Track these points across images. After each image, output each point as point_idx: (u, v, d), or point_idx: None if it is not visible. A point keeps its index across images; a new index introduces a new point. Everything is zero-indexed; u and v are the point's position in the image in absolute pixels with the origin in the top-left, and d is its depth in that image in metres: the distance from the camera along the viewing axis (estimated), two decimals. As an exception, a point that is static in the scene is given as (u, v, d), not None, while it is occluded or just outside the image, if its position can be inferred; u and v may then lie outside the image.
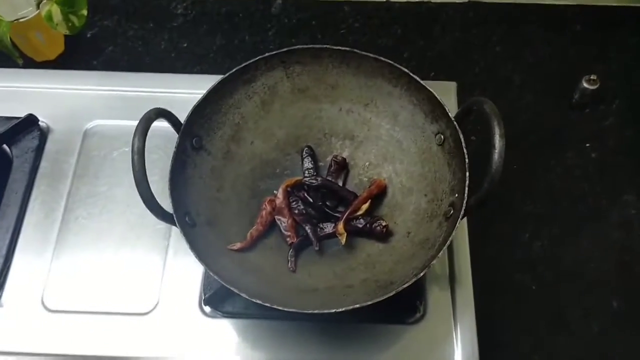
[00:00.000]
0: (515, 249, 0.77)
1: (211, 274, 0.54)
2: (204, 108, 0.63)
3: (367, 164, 0.69)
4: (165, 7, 0.95)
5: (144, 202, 0.54)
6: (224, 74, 0.66)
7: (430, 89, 0.62)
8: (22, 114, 0.73)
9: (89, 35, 0.92)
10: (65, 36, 0.88)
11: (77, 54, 0.90)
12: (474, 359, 0.61)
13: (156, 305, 0.64)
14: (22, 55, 0.86)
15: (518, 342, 0.72)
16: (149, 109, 0.57)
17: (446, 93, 0.74)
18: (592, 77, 0.84)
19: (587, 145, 0.84)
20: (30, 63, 0.87)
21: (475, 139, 0.80)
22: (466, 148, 0.59)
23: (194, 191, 0.62)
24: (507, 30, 0.93)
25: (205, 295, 0.64)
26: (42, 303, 0.65)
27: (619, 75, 0.89)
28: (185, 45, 0.92)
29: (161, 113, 0.58)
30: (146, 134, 0.54)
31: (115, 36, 0.92)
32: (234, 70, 0.64)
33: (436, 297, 0.64)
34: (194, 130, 0.63)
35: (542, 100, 0.87)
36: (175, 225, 0.56)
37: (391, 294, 0.53)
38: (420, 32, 0.93)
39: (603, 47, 0.91)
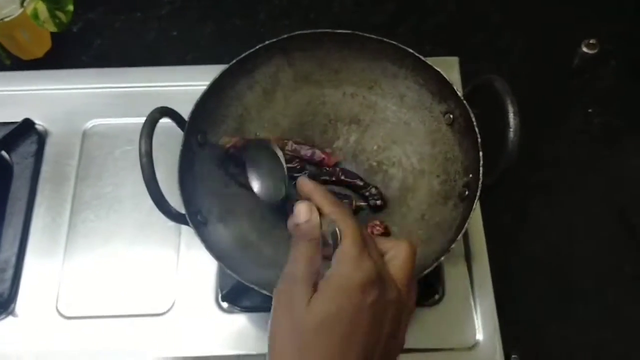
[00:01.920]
0: (524, 218, 0.77)
1: (229, 272, 0.54)
2: (206, 102, 0.62)
3: (375, 147, 0.68)
4: (151, -5, 0.92)
5: (156, 204, 0.53)
6: (217, 61, 0.64)
7: (437, 68, 0.61)
8: (17, 118, 0.72)
9: (75, 30, 0.89)
10: (52, 33, 0.85)
11: (65, 50, 0.87)
12: (495, 336, 0.61)
13: (173, 304, 0.64)
14: (8, 54, 0.84)
15: (533, 312, 0.72)
16: (151, 108, 0.56)
17: (449, 69, 0.74)
18: (591, 41, 0.83)
19: (590, 110, 0.83)
20: (17, 62, 0.84)
21: (477, 112, 0.79)
22: (477, 127, 0.58)
23: (202, 188, 0.61)
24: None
25: (222, 291, 0.64)
26: (57, 310, 0.64)
27: (619, 38, 0.88)
28: (175, 33, 0.89)
29: (165, 112, 0.56)
30: (152, 136, 0.53)
31: (102, 29, 0.90)
32: (233, 61, 0.62)
33: (454, 276, 0.64)
34: (198, 126, 0.61)
35: (543, 67, 0.86)
36: (188, 225, 0.55)
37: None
38: (414, 7, 0.91)
39: (603, 11, 0.90)
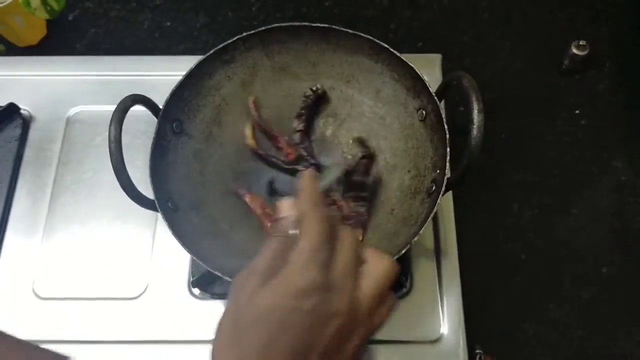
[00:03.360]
0: (505, 218, 0.77)
1: (194, 258, 0.55)
2: (182, 91, 0.62)
3: (350, 141, 0.68)
4: (146, -15, 0.93)
5: (124, 190, 0.54)
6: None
7: (411, 64, 0.61)
8: (2, 102, 0.73)
9: (70, 18, 0.91)
10: (47, 20, 0.87)
11: (60, 38, 0.89)
12: (460, 330, 0.61)
13: (145, 288, 0.65)
14: (3, 41, 0.85)
15: (508, 311, 0.72)
16: (126, 95, 0.57)
17: (431, 66, 0.74)
18: (581, 43, 0.83)
19: (577, 111, 0.83)
20: (12, 49, 0.86)
21: (463, 109, 0.79)
22: (447, 123, 0.58)
23: (176, 176, 0.62)
24: (494, -5, 0.91)
25: (193, 277, 0.65)
26: (33, 291, 0.65)
27: (609, 40, 0.87)
28: (168, 24, 0.91)
29: (138, 99, 0.57)
30: (122, 122, 0.54)
31: (97, 18, 0.91)
32: (211, 51, 0.63)
33: (422, 271, 0.64)
34: (173, 115, 0.62)
35: (532, 67, 0.86)
36: (157, 211, 0.56)
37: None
38: (407, 2, 0.91)
39: (592, 10, 0.90)
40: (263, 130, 0.68)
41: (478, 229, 0.76)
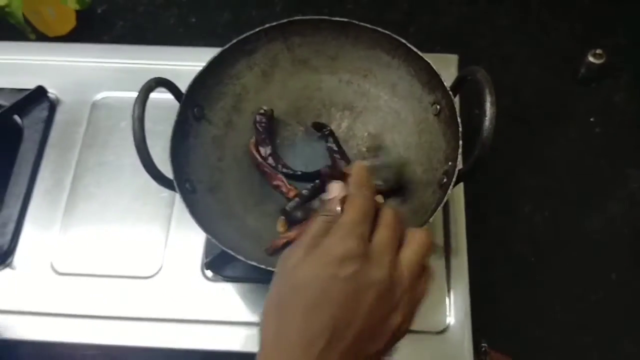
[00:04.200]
0: (516, 220, 0.78)
1: (209, 237, 0.56)
2: (205, 78, 0.65)
3: (366, 134, 0.70)
4: (174, -18, 0.96)
5: (144, 166, 0.56)
6: (227, 47, 0.67)
7: (427, 59, 0.62)
8: (32, 86, 0.76)
9: (99, 11, 0.94)
10: (77, 12, 0.90)
11: (88, 30, 0.91)
12: (466, 322, 0.62)
13: (160, 269, 0.67)
14: (34, 30, 0.88)
15: (515, 312, 0.73)
16: (150, 79, 0.59)
17: (447, 65, 0.75)
18: (597, 52, 0.84)
19: (592, 119, 0.84)
20: (42, 38, 0.89)
21: (478, 112, 0.80)
22: (460, 117, 0.60)
23: (195, 159, 0.64)
24: (513, 3, 0.93)
25: (206, 259, 0.66)
26: (52, 266, 0.67)
27: (626, 49, 0.88)
28: (193, 20, 0.93)
29: (161, 82, 0.59)
30: (145, 102, 0.56)
31: (125, 12, 0.94)
32: (234, 41, 0.65)
33: (432, 264, 0.64)
34: (195, 100, 0.64)
35: (548, 74, 0.87)
36: (175, 191, 0.58)
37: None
38: (427, 7, 0.93)
39: (611, 21, 0.91)
40: (261, 171, 0.68)
41: (489, 230, 0.77)
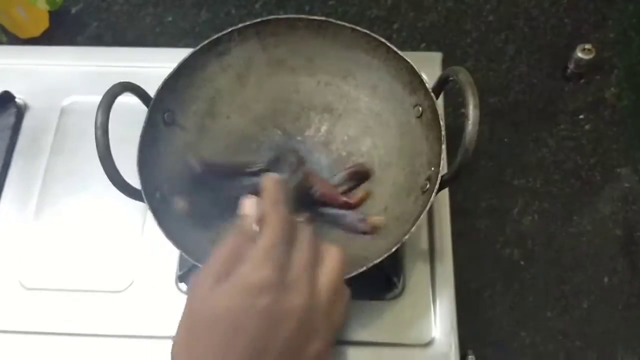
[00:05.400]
0: (505, 223, 0.76)
1: (178, 249, 0.54)
2: (175, 82, 0.61)
3: (346, 137, 0.67)
4: (149, -20, 0.93)
5: (109, 178, 0.53)
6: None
7: (408, 59, 0.60)
8: (-2, 91, 0.73)
9: (73, 11, 0.91)
10: (50, 12, 0.87)
11: (62, 30, 0.89)
12: (452, 334, 0.59)
13: (132, 282, 0.64)
14: (6, 32, 0.85)
15: (505, 318, 0.71)
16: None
17: (431, 64, 0.72)
18: (586, 47, 0.82)
19: (581, 116, 0.82)
20: (14, 40, 0.86)
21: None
22: (445, 117, 0.57)
23: (166, 167, 0.61)
24: (500, -1, 0.90)
25: (180, 272, 0.64)
26: (19, 281, 0.64)
27: (616, 45, 0.86)
28: (170, 19, 0.90)
29: (128, 87, 0.56)
30: (109, 109, 0.53)
31: (100, 11, 0.91)
32: (205, 42, 0.62)
33: (416, 272, 0.62)
34: (165, 105, 0.61)
35: (536, 70, 0.85)
36: (143, 202, 0.55)
37: (362, 270, 0.52)
38: (411, 3, 0.90)
39: (600, 16, 0.88)
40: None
41: (477, 233, 0.75)
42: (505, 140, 0.81)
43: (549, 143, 0.80)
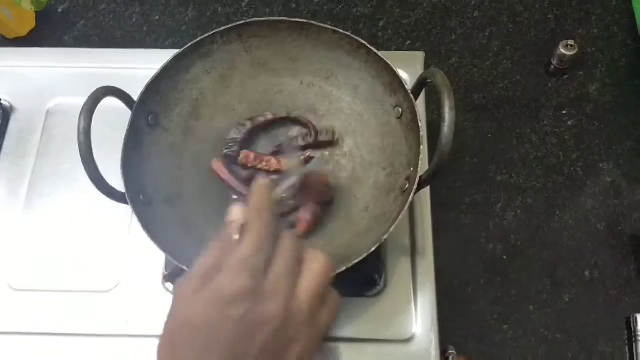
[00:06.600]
0: (488, 218, 0.77)
1: (162, 251, 0.54)
2: (158, 84, 0.62)
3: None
4: (136, -21, 0.93)
5: (92, 181, 0.54)
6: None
7: (388, 61, 0.60)
8: (-17, 93, 0.73)
9: (60, 10, 0.91)
10: (36, 12, 0.87)
11: (49, 30, 0.89)
12: (432, 330, 0.61)
13: (119, 282, 0.65)
14: (-8, 33, 0.85)
15: (487, 312, 0.72)
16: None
17: (413, 63, 0.73)
18: (569, 43, 0.82)
19: (564, 112, 0.82)
20: (0, 41, 0.86)
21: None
22: (426, 123, 0.58)
23: (150, 169, 0.61)
24: (484, -5, 0.91)
25: (166, 271, 0.64)
26: (8, 282, 0.65)
27: (599, 41, 0.87)
28: (157, 18, 0.91)
29: (110, 91, 0.57)
30: (92, 113, 0.54)
31: (86, 10, 0.91)
32: (188, 45, 0.63)
33: (397, 269, 0.63)
34: (149, 107, 0.62)
35: (520, 67, 0.86)
36: (127, 204, 0.56)
37: (343, 269, 0.53)
38: (396, 0, 0.91)
39: (583, 12, 0.89)
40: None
41: (460, 229, 0.76)
42: (489, 136, 0.81)
43: (533, 139, 0.81)
